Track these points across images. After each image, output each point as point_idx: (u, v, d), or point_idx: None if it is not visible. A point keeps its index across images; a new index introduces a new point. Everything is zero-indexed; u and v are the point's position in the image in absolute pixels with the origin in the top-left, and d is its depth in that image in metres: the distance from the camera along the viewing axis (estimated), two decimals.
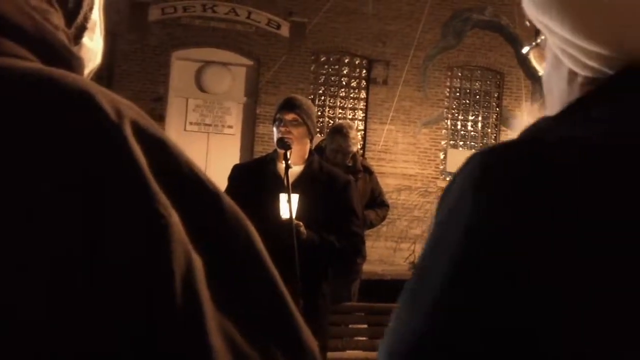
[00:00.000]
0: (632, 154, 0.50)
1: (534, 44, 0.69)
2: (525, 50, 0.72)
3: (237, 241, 0.49)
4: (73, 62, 0.53)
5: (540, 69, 0.69)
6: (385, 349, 0.53)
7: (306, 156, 2.92)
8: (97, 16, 0.62)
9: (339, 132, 4.10)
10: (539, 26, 0.63)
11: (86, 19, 0.60)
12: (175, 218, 0.44)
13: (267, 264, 0.50)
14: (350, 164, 4.15)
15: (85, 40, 0.61)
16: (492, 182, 0.51)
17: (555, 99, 0.64)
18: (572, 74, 0.61)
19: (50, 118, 0.44)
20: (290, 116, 2.84)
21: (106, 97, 0.46)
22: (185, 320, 0.44)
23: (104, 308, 0.42)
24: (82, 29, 0.60)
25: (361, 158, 4.49)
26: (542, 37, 0.66)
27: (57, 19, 0.54)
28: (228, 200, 0.49)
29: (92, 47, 0.62)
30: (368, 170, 4.36)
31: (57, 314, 0.42)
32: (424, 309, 0.51)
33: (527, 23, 0.66)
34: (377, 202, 4.34)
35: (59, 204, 0.43)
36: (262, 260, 0.50)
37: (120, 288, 0.43)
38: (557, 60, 0.62)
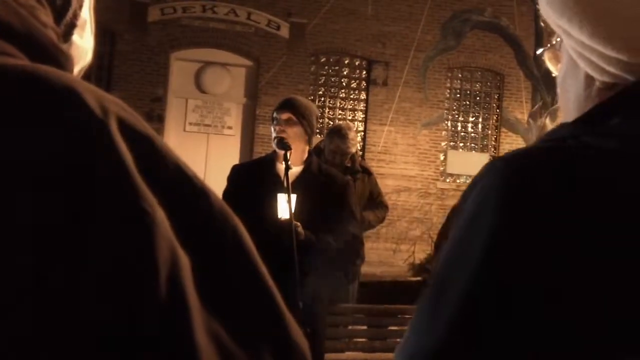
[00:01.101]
0: None
1: (549, 45, 0.69)
2: (539, 51, 0.72)
3: (224, 239, 0.48)
4: (61, 60, 0.52)
5: (555, 70, 0.69)
6: (403, 355, 0.53)
7: (304, 157, 2.92)
8: (87, 14, 0.62)
9: (338, 133, 4.09)
10: (556, 29, 0.62)
11: (75, 16, 0.59)
12: (160, 215, 0.44)
13: (256, 261, 0.49)
14: (349, 165, 4.14)
15: (75, 38, 0.60)
16: (515, 193, 0.51)
17: (571, 103, 0.63)
18: (589, 79, 0.60)
19: (34, 114, 0.44)
20: (285, 115, 2.84)
21: (91, 94, 0.46)
22: (169, 318, 0.43)
23: (86, 305, 0.41)
24: (71, 27, 0.59)
25: (360, 159, 4.49)
26: (558, 39, 0.65)
27: (45, 15, 0.53)
28: (216, 197, 0.49)
29: (82, 45, 0.62)
30: (367, 171, 4.35)
31: (39, 308, 0.41)
32: (444, 321, 0.50)
33: (542, 24, 0.66)
34: (375, 203, 4.33)
35: (41, 200, 0.42)
36: (251, 258, 0.49)
37: (103, 284, 0.42)
38: (574, 64, 0.61)
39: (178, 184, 0.47)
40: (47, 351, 0.41)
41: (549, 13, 0.61)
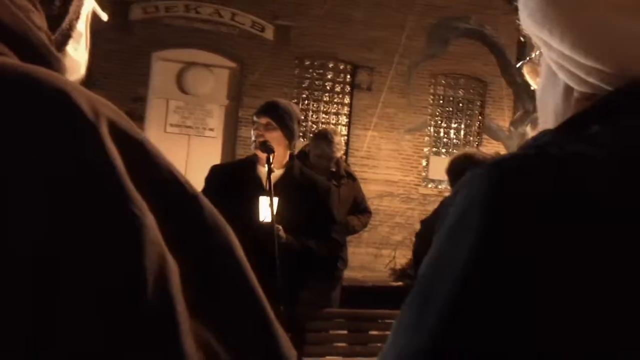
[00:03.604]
0: (636, 171, 0.50)
1: (527, 58, 0.70)
2: (519, 64, 0.73)
3: (215, 246, 0.48)
4: (53, 62, 0.52)
5: (534, 83, 0.69)
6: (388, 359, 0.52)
7: (285, 161, 2.89)
8: (83, 28, 0.63)
9: (324, 138, 4.09)
10: (536, 41, 0.62)
11: (71, 27, 0.60)
12: (150, 220, 0.44)
13: (246, 270, 0.49)
14: (334, 170, 4.15)
15: (69, 49, 0.61)
16: (500, 200, 0.50)
17: (549, 113, 0.64)
18: (568, 90, 0.61)
19: (24, 114, 0.43)
20: (264, 120, 2.82)
21: (83, 96, 0.46)
22: (156, 324, 0.42)
23: (74, 308, 0.41)
24: (66, 37, 0.60)
25: (345, 164, 4.48)
26: (537, 52, 0.66)
27: (39, 19, 0.54)
28: (207, 204, 0.48)
29: (76, 58, 0.63)
30: (351, 177, 4.37)
31: (24, 313, 0.40)
32: (426, 330, 0.49)
33: (522, 38, 0.66)
34: (359, 208, 4.35)
35: (29, 202, 0.41)
36: (241, 266, 0.49)
37: (91, 287, 0.41)
38: (553, 75, 0.62)
39: (169, 189, 0.47)
40: (30, 353, 0.40)
41: (529, 26, 0.62)
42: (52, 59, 0.52)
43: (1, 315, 0.40)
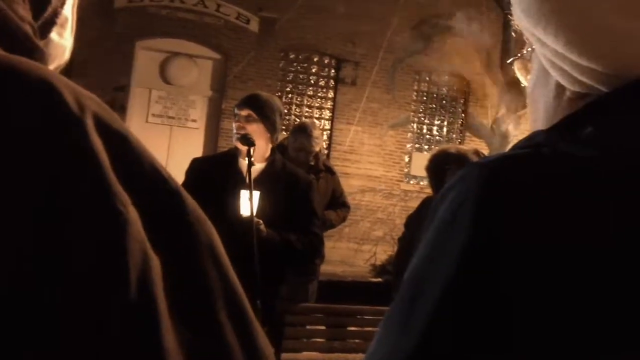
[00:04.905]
0: (632, 173, 0.50)
1: (518, 55, 0.68)
2: (509, 61, 0.72)
3: (196, 241, 0.48)
4: (35, 54, 0.52)
5: (524, 80, 0.68)
6: None
7: (267, 154, 2.88)
8: (69, 13, 0.62)
9: (303, 131, 4.06)
10: (529, 38, 0.62)
11: (56, 13, 0.59)
12: (133, 214, 0.44)
13: (227, 267, 0.49)
14: (312, 164, 4.12)
15: (53, 35, 0.60)
16: (491, 199, 0.50)
17: (540, 112, 0.63)
18: (560, 89, 0.60)
19: (8, 105, 0.43)
20: (244, 112, 2.80)
21: (68, 88, 0.45)
22: (137, 320, 0.42)
23: (54, 301, 0.41)
24: (50, 24, 0.59)
25: (324, 158, 4.47)
26: (528, 49, 0.65)
27: (24, 10, 0.53)
28: (190, 200, 0.49)
29: (61, 44, 0.62)
30: (330, 171, 4.34)
31: (4, 311, 0.40)
32: (415, 331, 0.49)
33: (513, 34, 0.65)
34: (338, 202, 4.33)
35: (9, 197, 0.41)
36: (222, 263, 0.49)
37: (73, 282, 0.42)
38: (545, 73, 0.61)
39: (152, 184, 0.47)
40: (13, 351, 0.40)
41: (523, 21, 0.61)
42: (36, 52, 0.52)
43: None
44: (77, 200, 0.42)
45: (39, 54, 0.53)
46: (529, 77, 0.66)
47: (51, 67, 0.60)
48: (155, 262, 0.44)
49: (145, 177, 0.47)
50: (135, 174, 0.46)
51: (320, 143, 4.23)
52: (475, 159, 2.93)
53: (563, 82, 0.59)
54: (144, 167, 0.47)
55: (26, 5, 0.54)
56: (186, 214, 0.48)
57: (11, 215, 0.41)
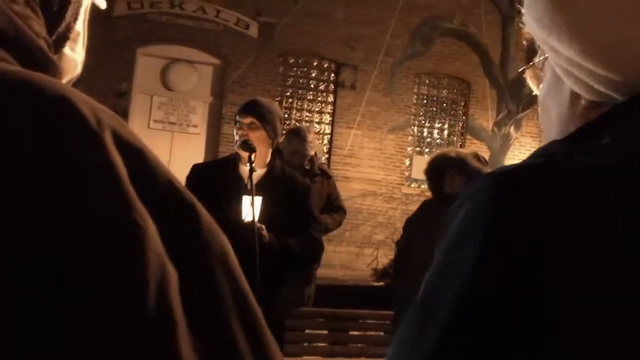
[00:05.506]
0: None
1: (530, 64, 0.68)
2: (521, 69, 0.72)
3: (212, 254, 0.48)
4: (50, 69, 0.53)
5: (535, 89, 0.68)
6: None
7: (267, 160, 2.89)
8: (81, 27, 0.63)
9: (297, 135, 4.06)
10: (542, 46, 0.61)
11: (69, 28, 0.60)
12: (152, 228, 0.44)
13: (239, 277, 0.50)
14: (307, 167, 4.11)
15: (66, 50, 0.61)
16: (506, 210, 0.50)
17: (553, 121, 0.62)
18: (574, 97, 0.59)
19: (27, 121, 0.44)
20: (247, 119, 2.81)
21: (86, 104, 0.46)
22: (156, 333, 0.43)
23: (73, 315, 0.41)
24: (64, 38, 0.60)
25: (319, 162, 4.46)
26: (540, 58, 0.64)
27: (39, 25, 0.54)
28: (205, 213, 0.49)
29: (73, 58, 0.63)
30: (326, 174, 4.33)
31: (24, 316, 0.41)
32: (429, 344, 0.49)
33: (524, 42, 0.65)
34: (334, 206, 4.32)
35: (29, 214, 0.42)
36: (235, 274, 0.49)
37: (92, 296, 0.42)
38: (558, 81, 0.61)
39: (169, 198, 0.48)
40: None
41: (536, 30, 0.60)
42: (51, 67, 0.53)
43: (5, 314, 0.40)
44: (98, 215, 0.43)
45: (54, 69, 0.54)
46: (540, 85, 0.65)
47: (64, 80, 0.61)
48: (173, 275, 0.45)
49: (161, 191, 0.47)
50: (152, 188, 0.46)
51: (315, 147, 4.22)
52: (474, 162, 2.93)
53: (578, 90, 0.58)
54: (161, 180, 0.47)
55: (41, 21, 0.55)
56: (201, 227, 0.48)
57: (30, 230, 0.41)
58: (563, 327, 0.46)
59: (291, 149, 4.02)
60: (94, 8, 0.67)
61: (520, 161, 0.56)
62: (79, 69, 0.65)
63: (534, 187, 0.50)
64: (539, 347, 0.46)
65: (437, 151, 3.33)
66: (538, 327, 0.46)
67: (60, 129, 0.44)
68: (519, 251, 0.48)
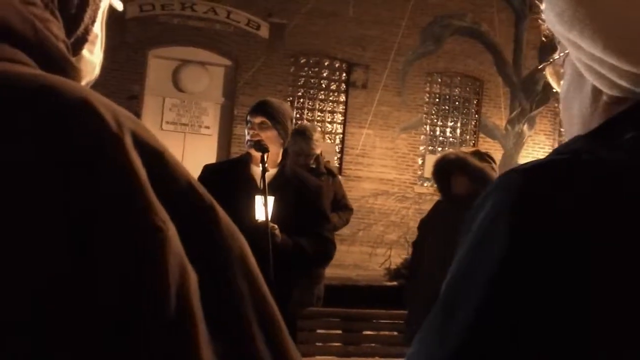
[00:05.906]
0: None
1: (550, 60, 0.67)
2: (541, 66, 0.71)
3: (231, 256, 0.49)
4: (70, 72, 0.53)
5: (556, 86, 0.67)
6: None
7: (278, 160, 2.89)
8: (99, 30, 0.63)
9: (302, 135, 4.04)
10: (563, 42, 0.61)
11: (87, 31, 0.61)
12: (172, 230, 0.45)
13: (258, 278, 0.50)
14: (313, 167, 4.10)
15: (85, 52, 0.62)
16: (531, 208, 0.49)
17: (575, 117, 0.62)
18: (596, 93, 0.59)
19: (48, 124, 0.44)
20: (258, 119, 2.80)
21: (106, 107, 0.46)
22: (177, 335, 0.43)
23: (96, 321, 0.42)
24: (82, 41, 0.61)
25: (325, 161, 4.45)
26: (560, 54, 0.64)
27: (58, 29, 0.55)
28: (223, 214, 0.50)
29: (91, 60, 0.63)
30: (331, 173, 4.33)
31: (48, 319, 0.41)
32: (452, 342, 0.49)
33: (544, 38, 0.65)
34: (340, 205, 4.32)
35: (49, 216, 0.42)
36: (253, 275, 0.50)
37: (114, 297, 0.42)
38: (580, 77, 0.60)
39: (189, 200, 0.48)
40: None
41: (556, 26, 0.60)
42: (70, 70, 0.54)
43: (28, 329, 0.41)
44: (117, 217, 0.43)
45: (73, 71, 0.54)
46: (561, 82, 0.65)
47: (82, 83, 0.61)
48: (193, 277, 0.45)
49: (181, 193, 0.47)
50: (172, 190, 0.47)
51: (320, 146, 4.21)
52: (475, 161, 2.93)
53: (600, 86, 0.58)
54: (180, 183, 0.48)
55: (60, 24, 0.56)
56: (220, 228, 0.49)
57: (50, 233, 0.41)
58: (603, 324, 0.46)
59: (296, 149, 4.00)
60: (107, 10, 0.67)
61: (540, 158, 0.55)
62: (97, 71, 0.65)
63: (557, 183, 0.50)
64: (572, 336, 0.46)
65: (439, 155, 3.34)
66: (574, 323, 0.46)
67: (81, 133, 0.44)
68: (549, 247, 0.47)
